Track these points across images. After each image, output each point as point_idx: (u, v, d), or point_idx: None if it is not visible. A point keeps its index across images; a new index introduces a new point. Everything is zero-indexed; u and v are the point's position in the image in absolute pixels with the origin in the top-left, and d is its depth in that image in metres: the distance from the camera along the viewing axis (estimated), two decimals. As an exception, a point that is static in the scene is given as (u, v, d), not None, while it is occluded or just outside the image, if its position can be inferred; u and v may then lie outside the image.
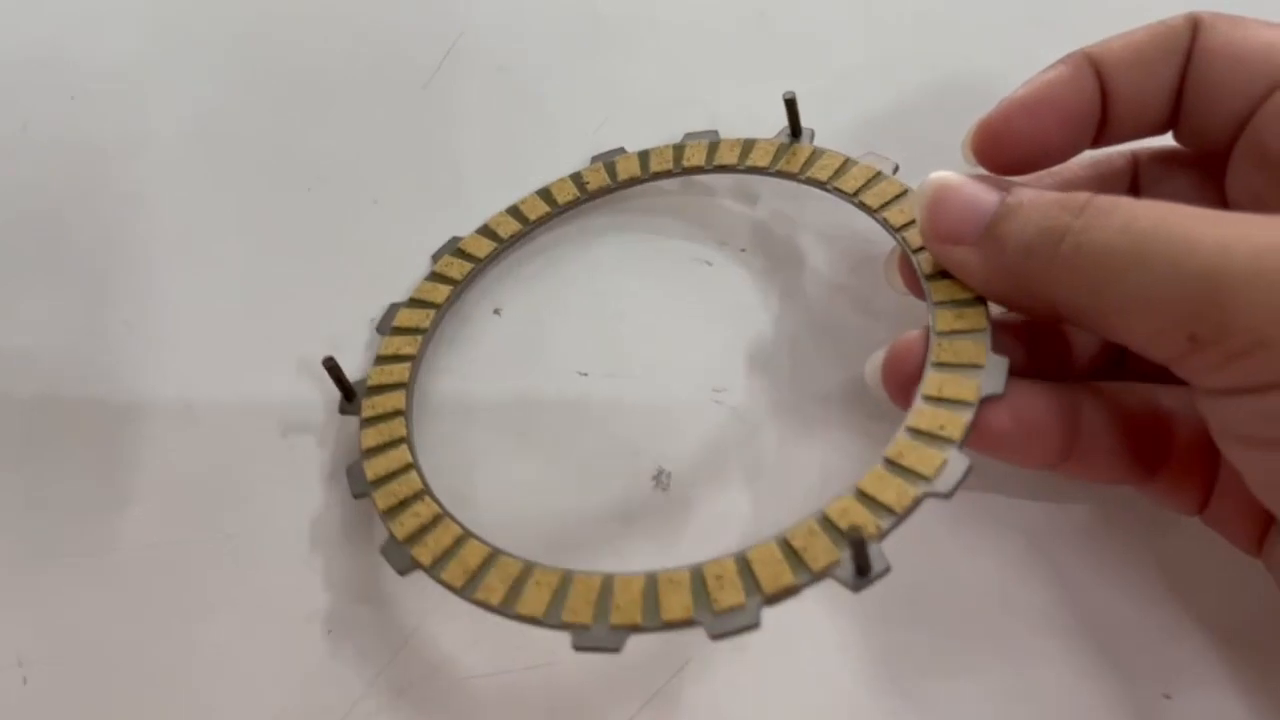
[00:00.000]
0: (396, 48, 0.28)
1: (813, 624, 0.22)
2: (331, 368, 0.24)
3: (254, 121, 0.27)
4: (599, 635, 0.19)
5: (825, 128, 0.26)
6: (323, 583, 0.24)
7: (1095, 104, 0.22)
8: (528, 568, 0.21)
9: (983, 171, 0.23)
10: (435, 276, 0.26)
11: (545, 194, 0.27)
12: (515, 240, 0.27)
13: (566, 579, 0.20)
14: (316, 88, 0.28)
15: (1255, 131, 0.21)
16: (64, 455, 0.25)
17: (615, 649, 0.19)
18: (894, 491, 0.19)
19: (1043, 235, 0.19)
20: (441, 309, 0.26)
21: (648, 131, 0.28)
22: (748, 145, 0.26)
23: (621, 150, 0.28)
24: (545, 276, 0.27)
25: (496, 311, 0.26)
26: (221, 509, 0.25)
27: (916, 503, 0.19)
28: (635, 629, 0.19)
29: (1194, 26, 0.22)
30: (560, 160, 0.28)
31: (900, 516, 0.19)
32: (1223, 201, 0.23)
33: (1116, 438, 0.22)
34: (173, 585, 0.24)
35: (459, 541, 0.22)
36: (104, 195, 0.27)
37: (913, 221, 0.23)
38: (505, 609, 0.20)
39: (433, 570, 0.21)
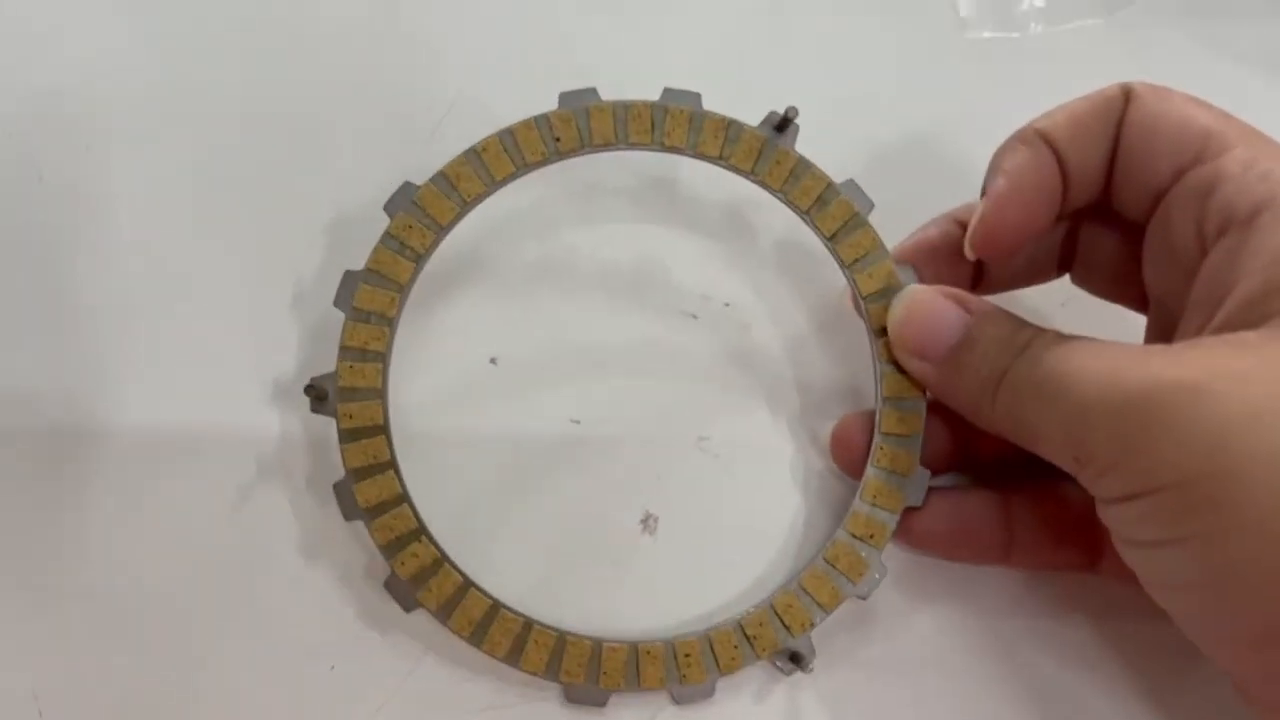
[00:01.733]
0: (399, 99, 0.29)
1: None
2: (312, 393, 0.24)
3: (253, 172, 0.28)
4: (588, 692, 0.24)
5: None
6: (323, 614, 0.25)
7: (1058, 180, 0.23)
8: (527, 626, 0.24)
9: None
10: (393, 241, 0.25)
11: (512, 146, 0.25)
12: (478, 200, 0.25)
13: (561, 641, 0.24)
14: (317, 138, 0.29)
15: (1165, 211, 0.22)
16: (51, 491, 0.26)
17: (601, 704, 0.24)
18: (827, 592, 0.24)
19: (991, 374, 0.22)
20: (405, 289, 0.25)
21: (643, 185, 0.29)
22: (733, 132, 0.26)
23: (594, 94, 0.26)
24: (535, 322, 0.28)
25: (493, 361, 0.27)
26: (218, 541, 0.26)
27: (841, 602, 0.24)
28: (618, 690, 0.24)
29: (1126, 97, 0.23)
30: (549, 212, 0.29)
31: (828, 613, 0.24)
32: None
33: (1048, 532, 0.25)
34: (177, 621, 0.25)
35: (460, 591, 0.23)
36: (103, 240, 0.27)
37: (878, 292, 0.25)
38: (510, 661, 0.23)
39: (439, 615, 0.23)
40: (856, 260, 0.26)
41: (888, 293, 0.25)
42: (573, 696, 0.24)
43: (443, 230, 0.25)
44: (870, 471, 0.25)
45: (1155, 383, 0.19)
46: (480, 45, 0.30)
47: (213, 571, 0.25)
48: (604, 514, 0.26)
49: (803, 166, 0.26)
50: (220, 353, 0.27)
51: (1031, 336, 0.22)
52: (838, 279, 0.26)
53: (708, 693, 0.24)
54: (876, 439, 0.25)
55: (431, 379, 0.27)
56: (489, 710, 0.24)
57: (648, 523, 0.26)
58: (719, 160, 0.26)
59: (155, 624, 0.25)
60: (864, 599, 0.24)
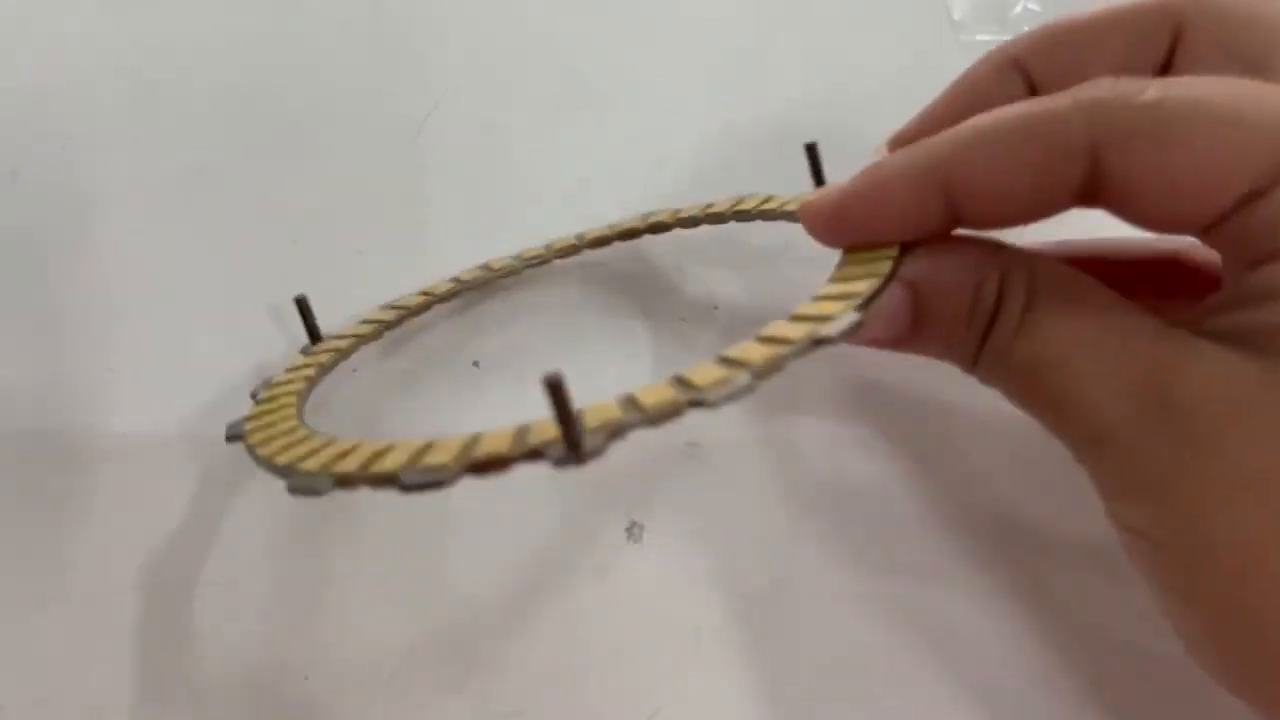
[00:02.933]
0: (384, 100, 0.29)
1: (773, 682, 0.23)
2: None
3: (238, 172, 0.28)
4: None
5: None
6: (296, 625, 0.24)
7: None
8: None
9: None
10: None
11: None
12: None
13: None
14: (301, 139, 0.28)
15: None
16: (41, 499, 0.25)
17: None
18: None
19: (962, 353, 0.20)
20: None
21: (628, 191, 0.29)
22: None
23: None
24: (519, 327, 0.27)
25: (475, 364, 0.26)
26: (194, 549, 0.25)
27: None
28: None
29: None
30: (539, 216, 0.29)
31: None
32: None
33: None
34: (149, 629, 0.24)
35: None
36: (88, 244, 0.27)
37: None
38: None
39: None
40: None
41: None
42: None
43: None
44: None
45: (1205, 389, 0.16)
46: (466, 45, 0.30)
47: (203, 574, 0.25)
48: (588, 521, 0.26)
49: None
50: (199, 354, 0.26)
51: (999, 303, 0.19)
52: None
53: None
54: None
55: (413, 383, 0.26)
56: None
57: (633, 531, 0.25)
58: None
59: (138, 630, 0.24)
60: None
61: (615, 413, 0.17)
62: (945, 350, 0.20)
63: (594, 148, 0.29)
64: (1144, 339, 0.17)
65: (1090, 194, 0.18)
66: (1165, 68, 0.20)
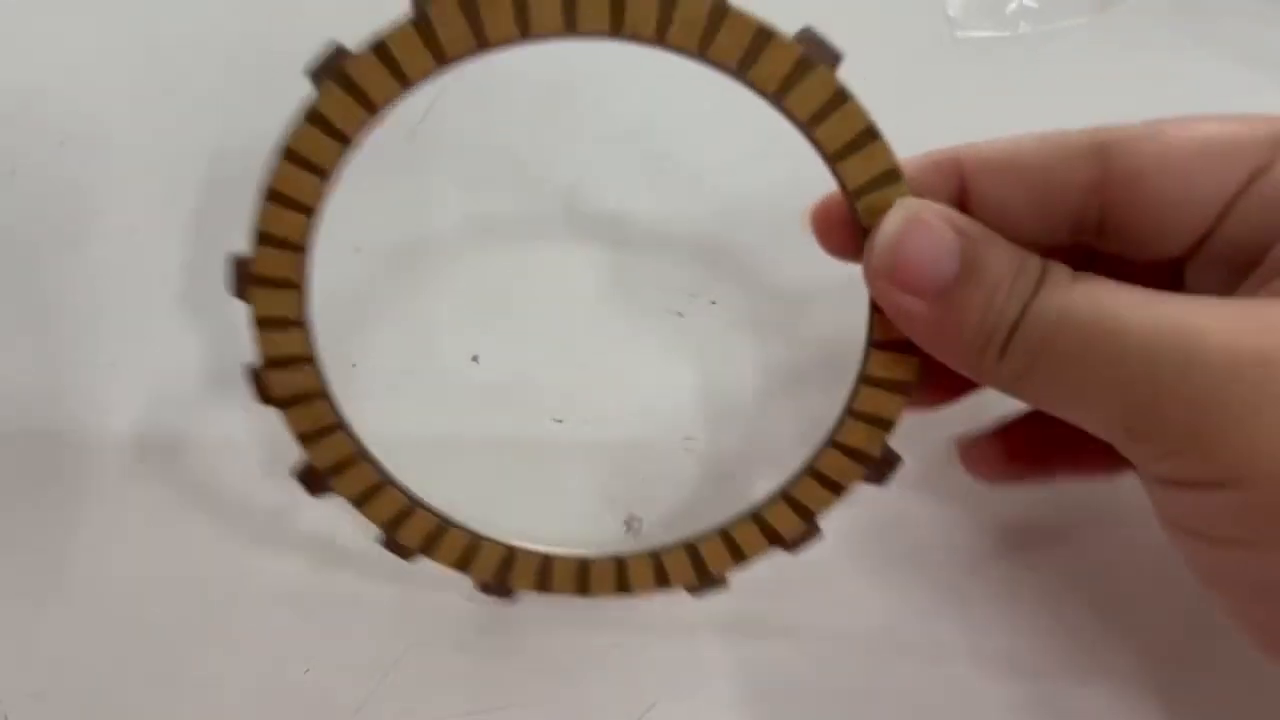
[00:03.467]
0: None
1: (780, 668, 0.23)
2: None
3: (237, 169, 0.28)
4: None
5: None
6: (298, 618, 0.25)
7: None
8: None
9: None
10: (279, 198, 0.21)
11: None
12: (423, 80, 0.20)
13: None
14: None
15: None
16: (39, 495, 0.25)
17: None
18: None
19: (1000, 318, 0.18)
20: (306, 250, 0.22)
21: (626, 185, 0.29)
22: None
23: None
24: (518, 320, 0.27)
25: (475, 359, 0.26)
26: (190, 544, 0.25)
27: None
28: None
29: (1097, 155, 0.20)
30: (534, 210, 0.29)
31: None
32: None
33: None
34: (150, 624, 0.24)
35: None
36: (86, 239, 0.27)
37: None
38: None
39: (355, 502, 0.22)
40: (843, 147, 0.20)
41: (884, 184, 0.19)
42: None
43: (379, 111, 0.21)
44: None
45: (1257, 349, 0.15)
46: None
47: (199, 573, 0.25)
48: (587, 516, 0.26)
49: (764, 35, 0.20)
50: (205, 357, 0.26)
51: (1044, 270, 0.18)
52: (828, 267, 0.25)
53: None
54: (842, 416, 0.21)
55: (411, 377, 0.26)
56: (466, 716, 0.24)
57: (632, 525, 0.26)
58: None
59: (135, 630, 0.24)
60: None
61: None
62: (979, 329, 0.18)
63: (593, 142, 0.30)
64: (1176, 303, 0.16)
65: (1093, 226, 0.19)
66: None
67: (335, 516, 0.25)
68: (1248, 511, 0.16)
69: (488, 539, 0.23)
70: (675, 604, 0.25)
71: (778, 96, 0.20)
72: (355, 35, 0.28)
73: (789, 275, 0.28)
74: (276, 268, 0.21)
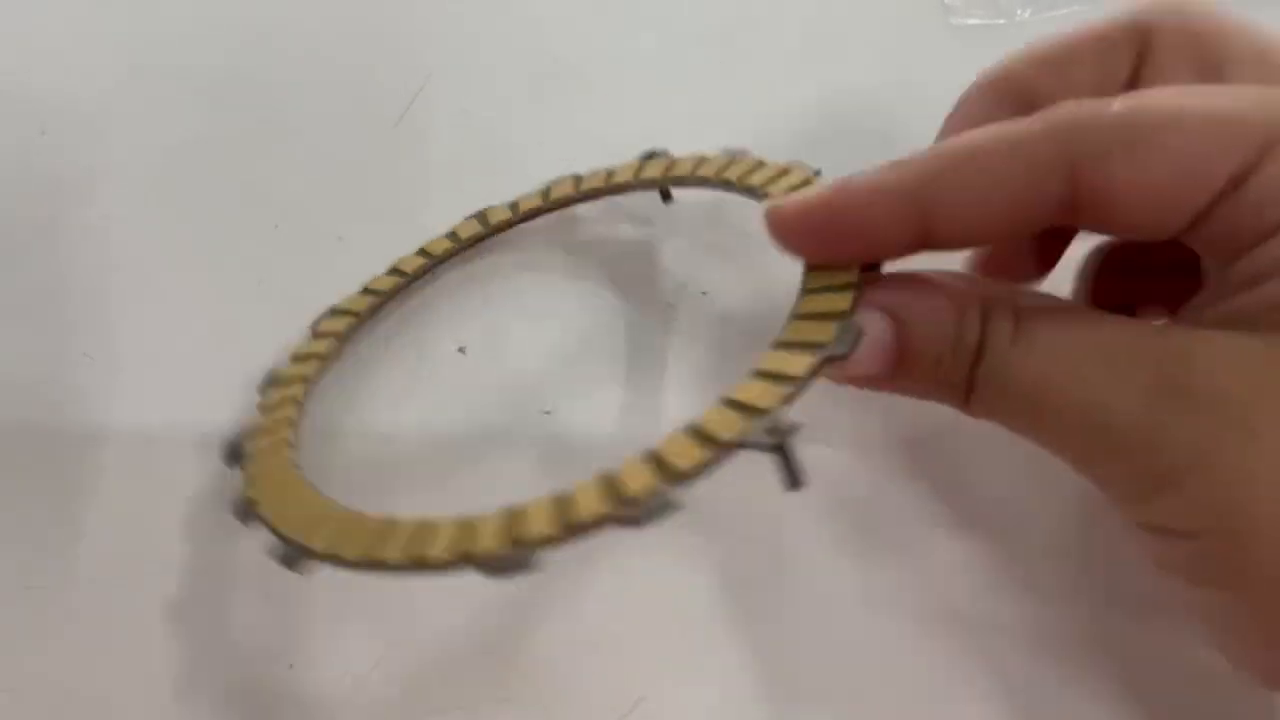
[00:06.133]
0: (366, 86, 0.29)
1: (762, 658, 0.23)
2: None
3: (221, 157, 0.28)
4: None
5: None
6: (284, 614, 0.24)
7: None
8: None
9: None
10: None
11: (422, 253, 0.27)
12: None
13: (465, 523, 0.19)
14: (284, 125, 0.28)
15: None
16: (24, 485, 0.25)
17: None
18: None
19: (952, 383, 0.19)
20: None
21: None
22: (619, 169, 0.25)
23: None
24: (506, 310, 0.27)
25: (461, 350, 0.26)
26: (177, 542, 0.25)
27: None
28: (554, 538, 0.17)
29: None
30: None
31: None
32: None
33: None
34: (132, 621, 0.24)
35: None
36: (68, 228, 0.27)
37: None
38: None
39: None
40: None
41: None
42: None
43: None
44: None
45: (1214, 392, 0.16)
46: (448, 31, 0.29)
47: (187, 565, 0.24)
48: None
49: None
50: (187, 346, 0.26)
51: (981, 335, 0.18)
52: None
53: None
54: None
55: (397, 369, 0.26)
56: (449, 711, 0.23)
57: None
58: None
59: (131, 624, 0.24)
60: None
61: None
62: (934, 386, 0.19)
63: (577, 132, 0.29)
64: (1147, 335, 0.17)
65: (1069, 211, 0.17)
66: (1133, 81, 0.20)
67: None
68: (1206, 559, 0.17)
69: (447, 519, 0.19)
70: (665, 597, 0.24)
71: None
72: (337, 22, 0.28)
73: (780, 266, 0.27)
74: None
